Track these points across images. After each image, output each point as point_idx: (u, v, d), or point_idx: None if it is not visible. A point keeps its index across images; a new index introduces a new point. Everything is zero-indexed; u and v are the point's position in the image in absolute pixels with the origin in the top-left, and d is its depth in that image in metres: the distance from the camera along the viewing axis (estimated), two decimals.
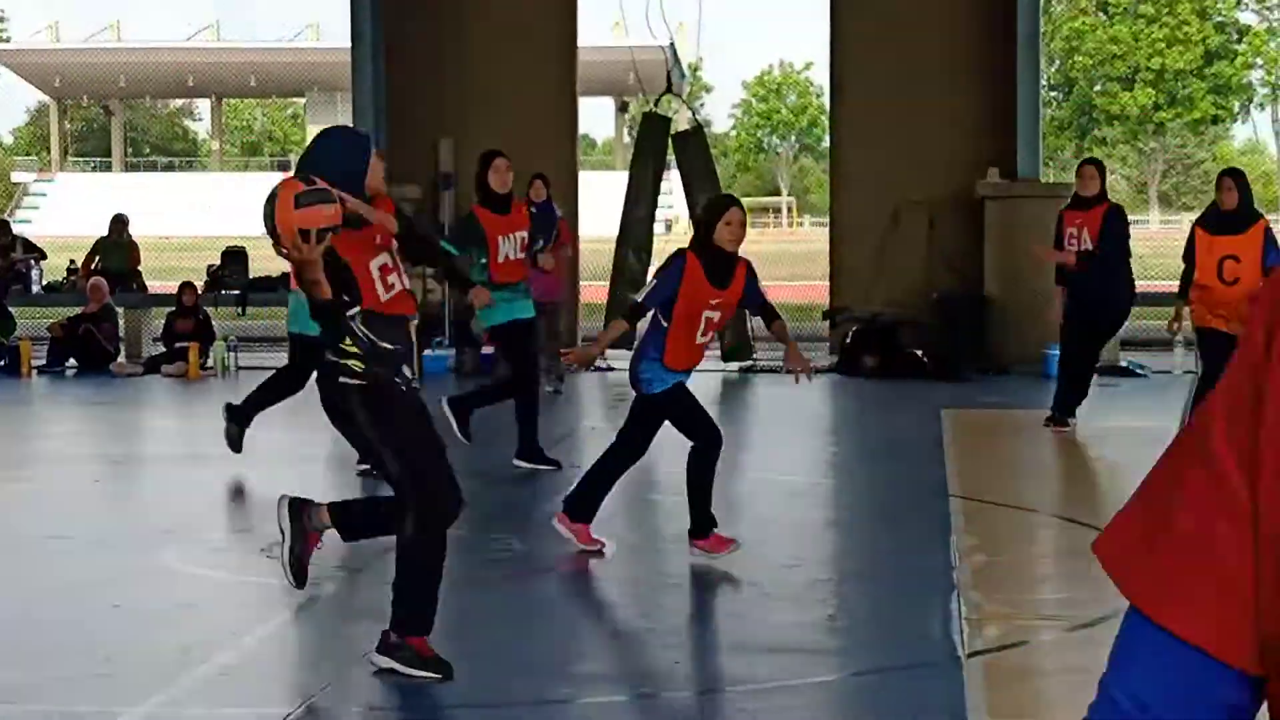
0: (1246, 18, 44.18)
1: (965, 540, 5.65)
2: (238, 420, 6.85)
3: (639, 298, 5.07)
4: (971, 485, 6.83)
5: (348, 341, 3.55)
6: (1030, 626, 4.59)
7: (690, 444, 4.90)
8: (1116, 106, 43.15)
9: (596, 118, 38.24)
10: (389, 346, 3.59)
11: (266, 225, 3.40)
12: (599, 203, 12.96)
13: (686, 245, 4.90)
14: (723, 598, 5.18)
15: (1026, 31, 10.94)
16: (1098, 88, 43.94)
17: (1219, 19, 43.65)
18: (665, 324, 4.82)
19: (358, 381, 3.57)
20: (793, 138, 49.80)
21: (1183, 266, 7.06)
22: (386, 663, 3.58)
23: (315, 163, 3.67)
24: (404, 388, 3.64)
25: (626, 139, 31.20)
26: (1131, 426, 8.26)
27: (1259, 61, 44.35)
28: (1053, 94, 42.85)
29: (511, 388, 6.89)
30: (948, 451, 7.54)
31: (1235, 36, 43.97)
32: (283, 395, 6.91)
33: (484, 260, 6.54)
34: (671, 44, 12.11)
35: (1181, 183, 45.91)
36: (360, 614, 4.32)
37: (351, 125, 4.15)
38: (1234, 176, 7.20)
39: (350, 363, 3.55)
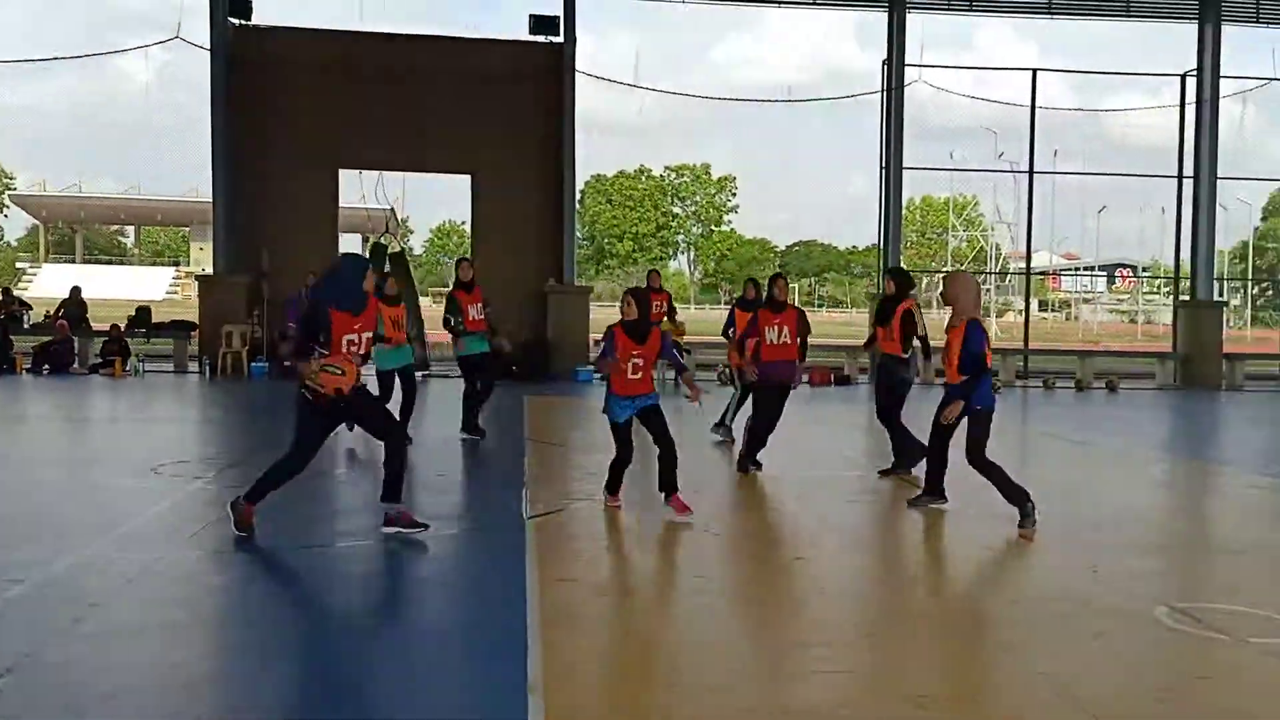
0: (676, 209, 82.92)
1: (531, 458, 9.12)
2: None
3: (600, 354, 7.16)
4: (535, 431, 10.97)
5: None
6: (570, 502, 7.45)
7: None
8: (617, 250, 78.29)
9: (350, 244, 51.62)
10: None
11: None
12: None
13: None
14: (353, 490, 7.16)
15: (569, 209, 21.56)
16: (605, 240, 78.82)
17: (663, 210, 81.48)
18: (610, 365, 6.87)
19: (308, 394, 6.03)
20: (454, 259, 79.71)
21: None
22: (232, 513, 6.20)
23: (338, 272, 6.24)
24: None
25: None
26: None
27: (681, 231, 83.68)
28: (582, 241, 73.04)
29: (485, 390, 10.56)
30: (526, 416, 11.82)
31: (671, 217, 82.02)
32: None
33: (460, 318, 10.37)
34: (391, 208, 21.47)
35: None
36: None
37: (356, 253, 6.45)
38: (892, 275, 9.24)
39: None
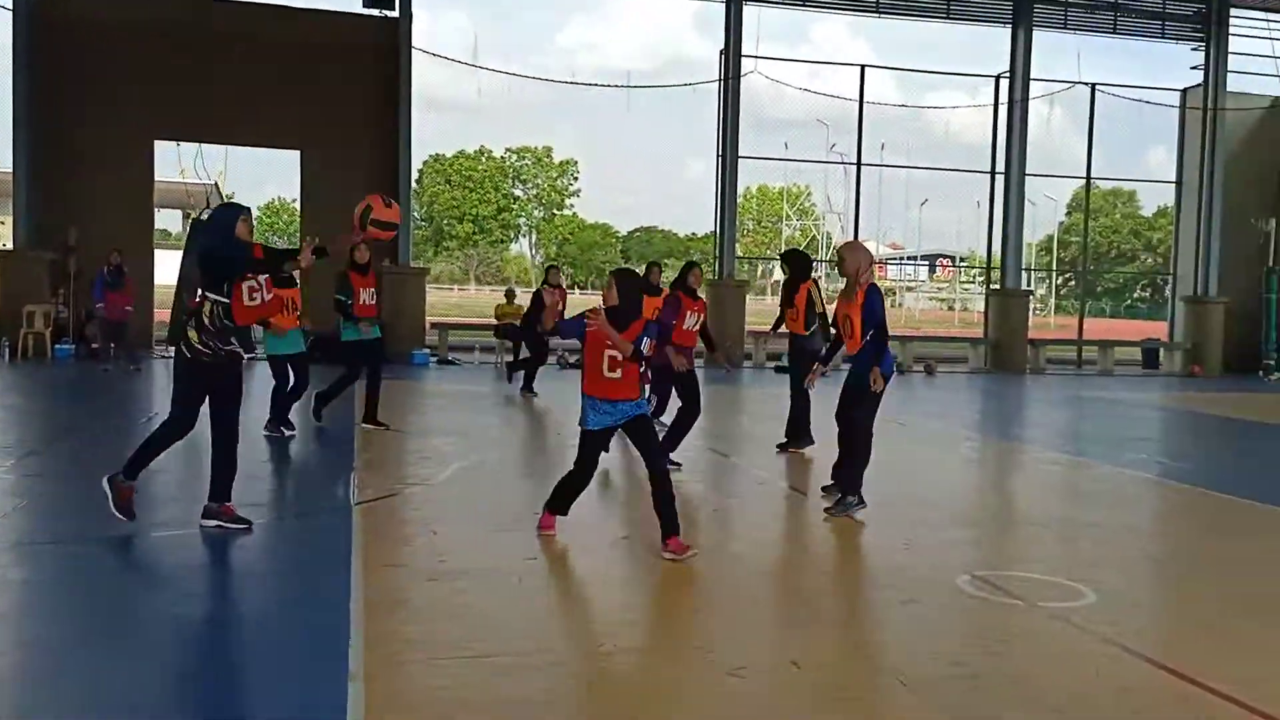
0: (517, 192, 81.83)
1: (360, 443, 9.15)
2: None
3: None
4: (368, 415, 10.32)
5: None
6: (401, 486, 7.47)
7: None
8: (457, 231, 75.79)
9: (168, 220, 45.82)
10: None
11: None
12: (173, 266, 20.50)
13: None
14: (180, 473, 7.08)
15: (405, 188, 21.02)
16: (445, 221, 75.26)
17: (504, 192, 79.47)
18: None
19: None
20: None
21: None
22: (108, 493, 5.82)
23: (215, 222, 6.08)
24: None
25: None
26: (466, 389, 17.77)
27: (522, 214, 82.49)
28: (421, 223, 70.58)
29: (348, 381, 10.13)
30: (358, 400, 10.76)
31: (513, 199, 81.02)
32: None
33: (351, 301, 9.75)
34: (215, 183, 20.42)
35: (484, 271, 76.97)
36: None
37: (231, 202, 6.02)
38: (785, 258, 10.14)
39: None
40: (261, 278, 6.10)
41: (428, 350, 19.31)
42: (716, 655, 4.39)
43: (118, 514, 5.92)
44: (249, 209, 6.25)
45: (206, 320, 5.93)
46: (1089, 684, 4.21)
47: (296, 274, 9.31)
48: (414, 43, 19.73)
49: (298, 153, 19.78)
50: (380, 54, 19.48)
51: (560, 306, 12.48)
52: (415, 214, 28.06)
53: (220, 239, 6.02)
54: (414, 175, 21.18)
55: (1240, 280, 23.33)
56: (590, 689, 3.97)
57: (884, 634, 4.75)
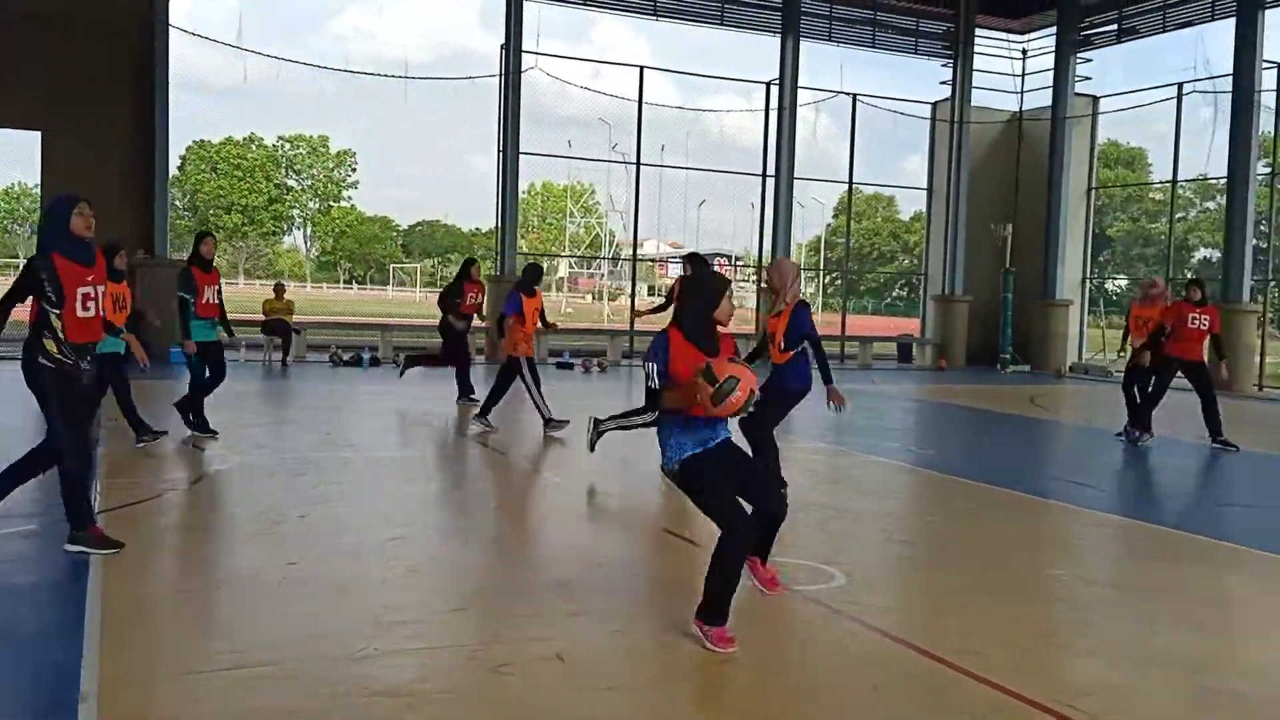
0: (291, 182, 79.63)
1: (108, 447, 8.76)
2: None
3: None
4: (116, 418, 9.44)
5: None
6: (152, 493, 7.06)
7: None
8: (224, 222, 70.30)
9: None
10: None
11: None
12: None
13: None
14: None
15: (161, 175, 19.78)
16: (210, 211, 72.16)
17: (277, 182, 78.25)
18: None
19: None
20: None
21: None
22: (78, 549, 5.39)
23: (51, 213, 5.43)
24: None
25: None
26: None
27: (296, 205, 79.90)
28: (183, 212, 67.04)
29: (212, 381, 9.58)
30: (104, 401, 9.03)
31: (286, 190, 79.48)
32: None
33: (192, 300, 9.29)
34: None
35: (254, 265, 74.88)
36: None
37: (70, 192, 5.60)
38: (688, 259, 10.25)
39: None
40: (99, 289, 5.53)
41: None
42: (480, 653, 4.37)
43: (109, 550, 5.48)
44: (85, 200, 5.58)
45: (57, 331, 5.43)
46: (834, 659, 4.47)
47: (124, 266, 8.84)
48: (171, 20, 18.56)
49: (39, 134, 18.20)
50: (135, 31, 18.21)
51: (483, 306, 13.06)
52: (177, 203, 26.37)
53: (53, 239, 5.42)
54: (175, 162, 19.91)
55: (982, 281, 25.38)
56: (349, 694, 3.85)
57: (649, 623, 4.86)
